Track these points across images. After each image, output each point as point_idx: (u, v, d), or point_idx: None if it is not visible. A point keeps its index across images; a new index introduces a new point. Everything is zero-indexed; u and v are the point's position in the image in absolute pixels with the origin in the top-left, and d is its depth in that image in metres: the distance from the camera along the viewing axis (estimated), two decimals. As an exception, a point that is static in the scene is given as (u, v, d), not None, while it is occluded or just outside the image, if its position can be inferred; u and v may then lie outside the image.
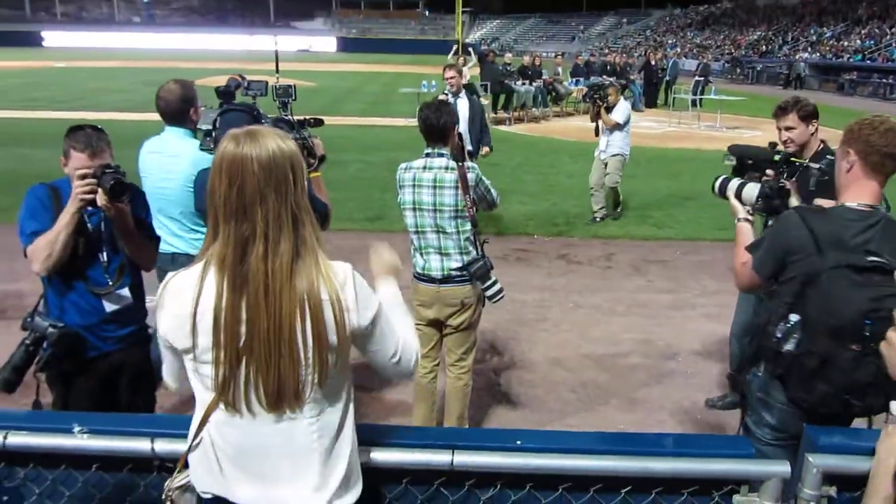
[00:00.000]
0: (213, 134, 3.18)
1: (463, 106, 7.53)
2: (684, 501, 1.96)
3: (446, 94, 7.54)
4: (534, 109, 19.06)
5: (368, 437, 1.99)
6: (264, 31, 58.07)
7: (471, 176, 3.66)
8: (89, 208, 2.87)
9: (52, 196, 2.93)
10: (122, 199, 2.84)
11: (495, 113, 18.50)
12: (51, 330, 2.85)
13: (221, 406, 1.72)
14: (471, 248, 3.75)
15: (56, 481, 2.06)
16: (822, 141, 3.87)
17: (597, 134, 8.95)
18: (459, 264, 3.73)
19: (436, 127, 3.71)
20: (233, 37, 55.41)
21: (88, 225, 2.93)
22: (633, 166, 12.61)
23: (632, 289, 7.01)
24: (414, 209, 3.75)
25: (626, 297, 6.74)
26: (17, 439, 1.98)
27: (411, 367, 1.90)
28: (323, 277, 1.68)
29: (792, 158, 3.70)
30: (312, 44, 58.81)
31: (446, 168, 3.68)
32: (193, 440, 1.80)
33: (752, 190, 3.04)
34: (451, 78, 7.63)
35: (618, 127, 8.74)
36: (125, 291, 3.06)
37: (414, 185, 3.72)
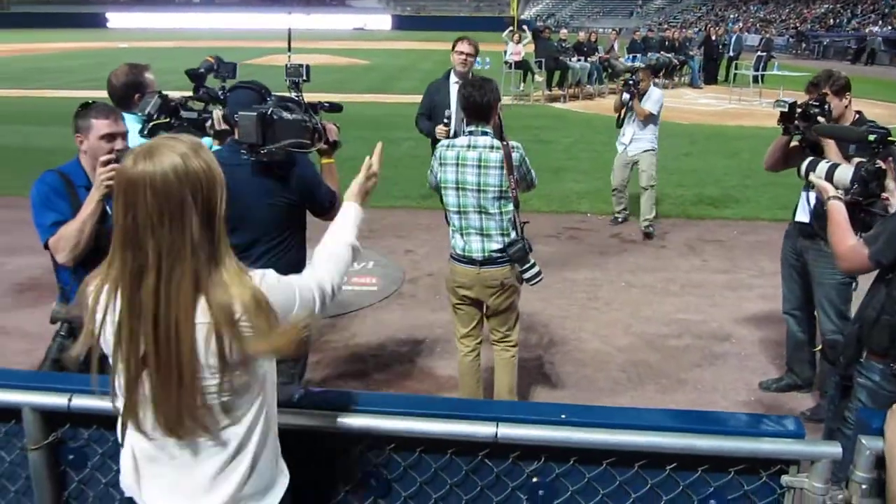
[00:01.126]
0: (225, 111, 3.23)
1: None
2: (731, 480, 1.95)
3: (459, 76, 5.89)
4: (589, 86, 18.76)
5: (414, 407, 2.03)
6: (321, 10, 58.40)
7: (515, 156, 3.64)
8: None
9: (65, 182, 2.93)
10: None
11: (549, 90, 18.30)
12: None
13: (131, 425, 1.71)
14: (511, 230, 3.73)
15: (118, 442, 2.16)
16: (858, 112, 3.90)
17: (619, 125, 7.77)
18: (500, 246, 3.71)
19: (479, 104, 3.65)
20: (289, 17, 55.85)
21: (108, 209, 2.93)
22: (688, 144, 12.39)
23: (686, 268, 6.89)
24: (457, 188, 3.70)
25: (680, 277, 6.64)
26: (81, 401, 2.07)
27: (325, 306, 1.87)
28: (221, 304, 1.57)
29: (889, 139, 3.59)
30: (367, 22, 58.93)
31: (491, 147, 3.64)
32: (121, 440, 1.81)
33: (845, 173, 2.94)
34: (463, 55, 5.89)
35: (651, 118, 7.57)
36: None
37: (458, 164, 3.66)
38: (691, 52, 22.10)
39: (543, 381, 4.67)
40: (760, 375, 4.78)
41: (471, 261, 3.74)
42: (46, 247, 2.91)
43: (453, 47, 5.93)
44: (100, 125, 2.88)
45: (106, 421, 2.01)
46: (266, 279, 1.68)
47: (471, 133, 3.69)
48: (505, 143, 3.65)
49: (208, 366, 1.61)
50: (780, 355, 4.92)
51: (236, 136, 3.02)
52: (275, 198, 3.12)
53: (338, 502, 2.13)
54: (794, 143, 3.99)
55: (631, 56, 20.10)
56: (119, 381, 1.66)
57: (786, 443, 1.92)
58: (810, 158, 3.13)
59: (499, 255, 3.72)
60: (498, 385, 3.93)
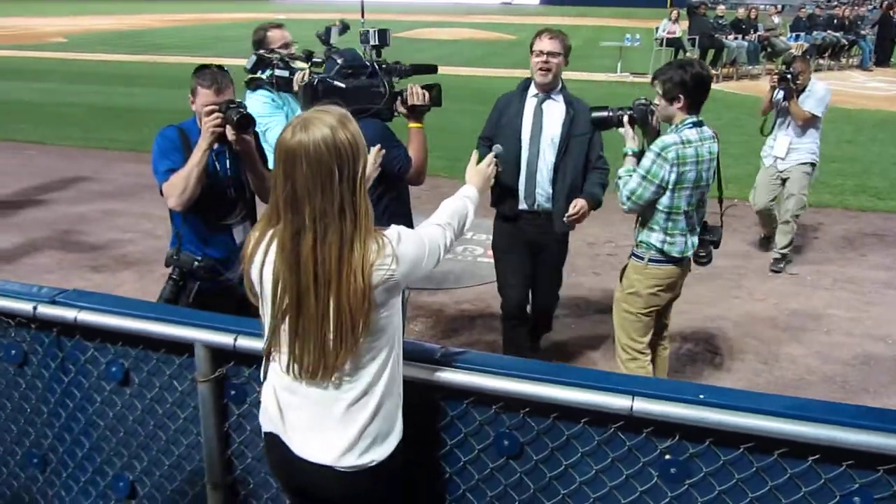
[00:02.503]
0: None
1: (553, 111, 3.93)
2: (878, 479, 1.86)
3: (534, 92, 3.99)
4: (745, 66, 17.77)
5: (550, 374, 2.08)
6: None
7: None
8: (216, 146, 3.04)
9: (181, 136, 3.11)
10: (248, 131, 3.00)
11: (702, 69, 17.48)
12: (196, 264, 3.07)
13: (274, 365, 1.96)
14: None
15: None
16: None
17: (767, 131, 6.11)
18: (698, 238, 3.60)
19: (709, 86, 3.39)
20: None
21: (216, 164, 3.12)
22: (853, 130, 11.52)
23: (841, 262, 6.48)
24: (693, 188, 3.41)
25: (834, 271, 6.25)
26: (245, 342, 2.27)
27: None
28: (367, 259, 1.77)
29: None
30: (515, -4, 58.41)
31: (713, 138, 3.43)
32: (263, 378, 2.04)
33: None
34: (544, 55, 3.85)
35: (812, 122, 5.79)
36: (249, 224, 3.21)
37: (697, 162, 3.35)
38: (863, 32, 20.38)
39: (682, 368, 4.58)
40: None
41: (680, 260, 3.56)
42: (162, 193, 3.12)
43: (531, 46, 3.92)
44: (203, 93, 3.04)
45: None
46: (401, 236, 1.86)
47: (695, 124, 3.39)
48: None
49: (350, 317, 1.79)
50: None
51: None
52: None
53: (471, 459, 2.22)
54: None
55: (794, 35, 18.82)
56: (269, 325, 1.89)
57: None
58: None
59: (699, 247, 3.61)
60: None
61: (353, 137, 1.78)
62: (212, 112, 2.96)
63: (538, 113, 3.90)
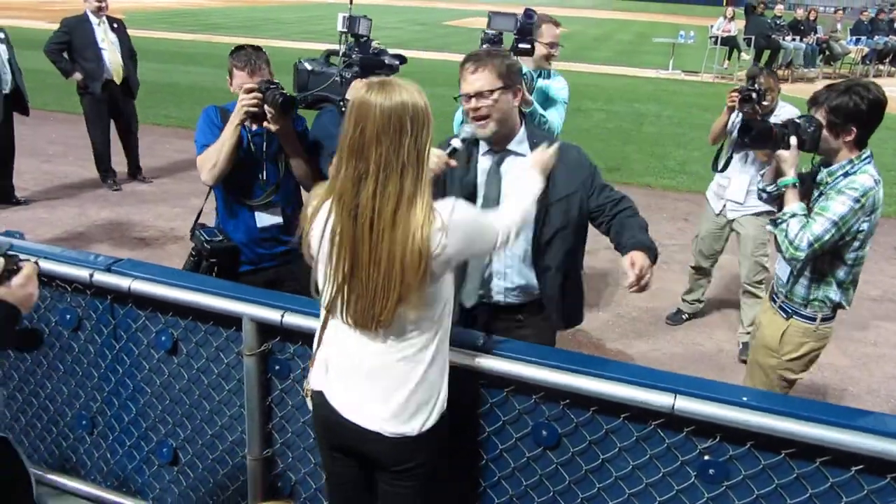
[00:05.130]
0: None
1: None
2: (924, 493, 1.83)
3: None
4: (801, 68, 17.37)
5: (592, 367, 2.08)
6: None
7: None
8: (253, 128, 3.03)
9: (222, 115, 3.11)
10: (290, 114, 2.95)
11: (756, 70, 17.12)
12: (205, 245, 3.02)
13: (331, 319, 1.99)
14: None
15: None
16: None
17: (719, 167, 4.20)
18: None
19: (884, 113, 2.82)
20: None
21: (251, 145, 3.07)
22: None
23: (892, 272, 6.32)
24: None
25: (884, 282, 6.10)
26: (292, 319, 2.32)
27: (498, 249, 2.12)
28: (422, 223, 1.79)
29: None
30: (567, -12, 57.81)
31: None
32: (317, 344, 2.07)
33: None
34: (474, 105, 2.45)
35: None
36: (278, 210, 3.16)
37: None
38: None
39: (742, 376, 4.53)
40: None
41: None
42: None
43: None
44: (238, 75, 3.04)
45: (309, 339, 2.24)
46: (455, 208, 1.88)
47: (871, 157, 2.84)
48: None
49: (400, 271, 1.82)
50: None
51: None
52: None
53: (508, 447, 2.24)
54: None
55: (854, 38, 18.35)
56: (329, 279, 1.92)
57: None
58: None
59: None
60: None
61: (426, 107, 1.84)
62: (250, 91, 2.94)
63: (493, 181, 2.60)
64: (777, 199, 2.93)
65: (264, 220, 3.15)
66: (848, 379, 4.56)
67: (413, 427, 1.95)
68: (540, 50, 3.69)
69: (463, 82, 2.45)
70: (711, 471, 2.02)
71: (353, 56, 3.03)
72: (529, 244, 2.58)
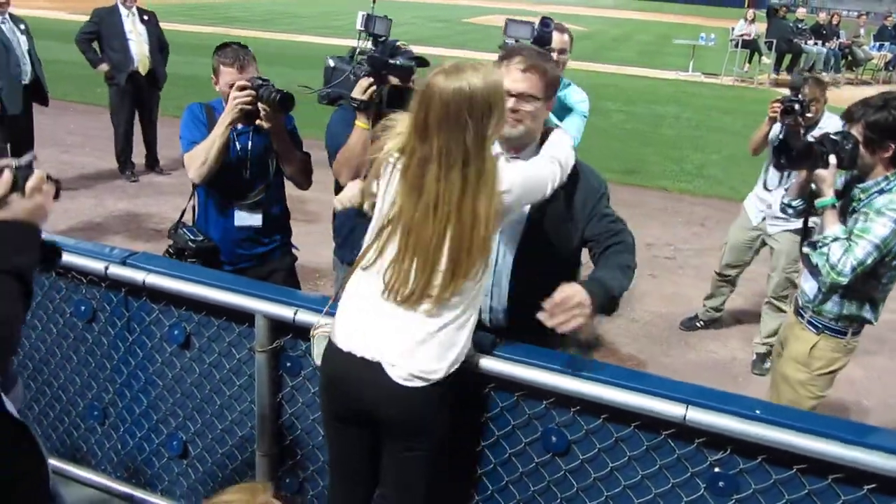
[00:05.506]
0: None
1: None
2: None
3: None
4: (822, 73, 17.20)
5: (605, 374, 2.07)
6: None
7: None
8: (238, 126, 2.97)
9: (206, 112, 3.08)
10: (289, 110, 2.89)
11: (777, 74, 17.01)
12: (190, 244, 2.99)
13: (365, 276, 1.99)
14: None
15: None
16: None
17: (766, 185, 4.33)
18: None
19: None
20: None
21: (236, 143, 3.02)
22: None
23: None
24: None
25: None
26: (304, 316, 2.32)
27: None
28: (486, 214, 1.85)
29: None
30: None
31: None
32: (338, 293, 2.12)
33: None
34: (513, 104, 2.19)
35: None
36: (259, 210, 3.10)
37: None
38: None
39: (753, 387, 4.50)
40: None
41: None
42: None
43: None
44: (225, 72, 2.99)
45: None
46: (514, 184, 1.93)
47: None
48: None
49: (468, 257, 1.87)
50: None
51: None
52: None
53: (517, 451, 2.23)
54: None
55: (877, 44, 18.16)
56: (370, 240, 1.99)
57: None
58: None
59: None
60: None
61: (489, 93, 1.84)
62: (243, 88, 2.88)
63: None
64: (803, 214, 2.88)
65: (243, 219, 3.10)
66: (863, 391, 4.51)
67: (431, 369, 1.94)
68: None
69: (507, 77, 2.15)
70: (721, 483, 2.00)
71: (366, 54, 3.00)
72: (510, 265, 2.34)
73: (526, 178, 1.99)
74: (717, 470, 2.01)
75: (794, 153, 2.71)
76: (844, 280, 2.66)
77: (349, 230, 3.00)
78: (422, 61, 2.90)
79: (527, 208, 2.21)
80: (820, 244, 2.71)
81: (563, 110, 3.73)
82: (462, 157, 1.82)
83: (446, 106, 1.81)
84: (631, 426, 2.06)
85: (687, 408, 1.95)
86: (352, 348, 2.00)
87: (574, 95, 3.77)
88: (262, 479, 2.59)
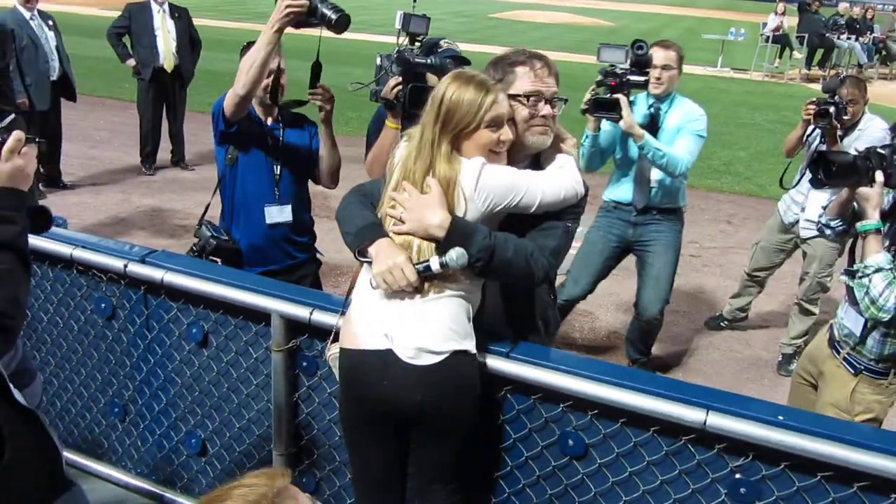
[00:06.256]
0: None
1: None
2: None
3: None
4: (858, 68, 16.84)
5: (623, 378, 2.04)
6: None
7: None
8: (268, 122, 2.97)
9: None
10: (341, 32, 2.65)
11: (809, 69, 16.71)
12: (211, 241, 2.95)
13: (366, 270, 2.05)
14: None
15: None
16: None
17: (785, 183, 4.22)
18: None
19: None
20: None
21: (268, 138, 2.96)
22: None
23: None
24: None
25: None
26: (320, 316, 2.31)
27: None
28: (448, 177, 1.97)
29: None
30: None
31: None
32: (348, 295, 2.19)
33: None
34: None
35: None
36: (288, 208, 3.06)
37: None
38: None
39: (771, 391, 4.42)
40: None
41: None
42: (220, 116, 2.89)
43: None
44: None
45: (338, 337, 2.22)
46: (486, 167, 1.99)
47: None
48: None
49: None
50: None
51: None
52: None
53: (533, 455, 2.20)
54: None
55: (912, 38, 17.76)
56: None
57: None
58: None
59: None
60: None
61: (458, 98, 1.96)
62: None
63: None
64: (842, 236, 2.67)
65: (274, 216, 3.05)
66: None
67: (437, 346, 1.95)
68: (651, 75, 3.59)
69: (535, 81, 2.07)
70: (743, 490, 1.96)
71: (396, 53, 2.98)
72: None
73: (503, 185, 2.01)
74: (738, 476, 1.96)
75: (834, 168, 2.43)
76: (886, 316, 2.39)
77: None
78: (461, 60, 2.85)
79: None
80: (860, 274, 2.44)
81: (657, 130, 3.76)
82: (431, 144, 1.98)
83: (432, 101, 1.99)
84: (650, 431, 2.02)
85: (707, 413, 1.90)
86: (362, 345, 2.01)
87: (685, 114, 3.82)
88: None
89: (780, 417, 1.88)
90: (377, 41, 17.09)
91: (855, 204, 2.52)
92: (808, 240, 4.33)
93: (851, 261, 2.63)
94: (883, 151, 2.45)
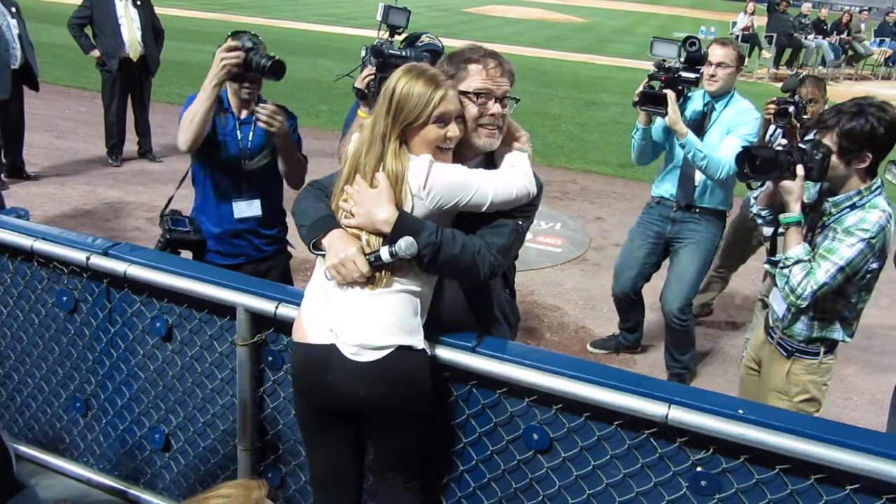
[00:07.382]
0: None
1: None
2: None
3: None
4: (820, 67, 17.12)
5: (586, 372, 2.05)
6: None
7: None
8: (242, 115, 2.95)
9: None
10: (279, 78, 2.77)
11: (776, 69, 16.94)
12: (167, 235, 2.95)
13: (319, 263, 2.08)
14: None
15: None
16: None
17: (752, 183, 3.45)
18: None
19: None
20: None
21: (238, 133, 2.96)
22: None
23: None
24: None
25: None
26: (286, 310, 2.29)
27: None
28: (395, 171, 1.95)
29: None
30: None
31: None
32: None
33: None
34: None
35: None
36: (257, 202, 3.06)
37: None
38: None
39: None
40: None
41: None
42: None
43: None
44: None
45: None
46: (435, 166, 1.97)
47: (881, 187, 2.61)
48: None
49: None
50: None
51: None
52: None
53: (498, 449, 2.21)
54: None
55: (878, 40, 18.09)
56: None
57: None
58: None
59: None
60: None
61: (408, 91, 1.94)
62: (232, 49, 2.74)
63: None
64: (772, 223, 2.76)
65: (242, 210, 3.04)
66: (852, 389, 4.50)
67: (379, 341, 1.96)
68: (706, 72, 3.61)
69: (486, 79, 2.04)
70: (703, 483, 1.99)
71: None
72: None
73: (452, 183, 1.98)
74: (699, 469, 1.99)
75: (758, 163, 2.53)
76: (804, 304, 2.55)
77: None
78: (438, 54, 2.87)
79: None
80: (781, 264, 2.59)
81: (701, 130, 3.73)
82: (381, 138, 1.97)
83: (383, 96, 1.98)
84: (613, 425, 2.04)
85: (669, 407, 1.93)
86: (308, 339, 2.03)
87: (737, 115, 3.79)
88: (243, 473, 2.57)
89: (740, 411, 1.91)
90: (349, 34, 16.99)
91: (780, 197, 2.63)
92: (768, 235, 4.38)
93: (773, 251, 2.76)
94: (805, 147, 2.54)
